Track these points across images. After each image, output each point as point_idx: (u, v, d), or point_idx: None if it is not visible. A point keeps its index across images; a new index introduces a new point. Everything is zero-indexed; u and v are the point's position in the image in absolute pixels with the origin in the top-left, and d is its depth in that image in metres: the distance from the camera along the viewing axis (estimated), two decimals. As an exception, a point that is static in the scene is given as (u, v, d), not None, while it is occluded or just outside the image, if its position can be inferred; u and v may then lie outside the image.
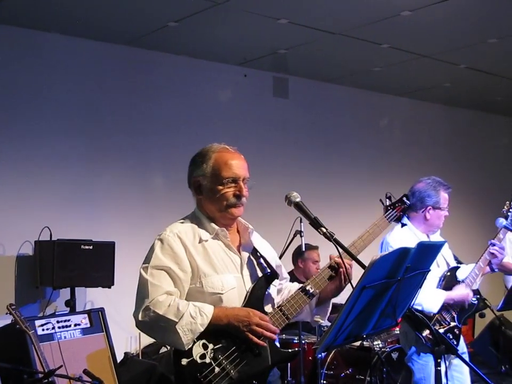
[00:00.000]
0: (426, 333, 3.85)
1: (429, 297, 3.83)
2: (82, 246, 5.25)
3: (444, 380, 3.97)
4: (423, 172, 4.71)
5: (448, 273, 4.09)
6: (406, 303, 2.58)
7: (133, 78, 6.26)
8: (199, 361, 2.53)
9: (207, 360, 2.54)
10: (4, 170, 5.51)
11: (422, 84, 7.91)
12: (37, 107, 5.70)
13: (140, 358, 5.77)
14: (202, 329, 2.54)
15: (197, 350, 2.55)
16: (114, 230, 5.83)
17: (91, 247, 5.28)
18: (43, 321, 4.55)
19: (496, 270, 4.33)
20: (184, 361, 2.54)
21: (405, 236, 4.03)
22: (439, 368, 2.71)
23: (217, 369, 2.53)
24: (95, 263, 5.30)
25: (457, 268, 4.15)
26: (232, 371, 2.55)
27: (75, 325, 4.72)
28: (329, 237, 2.66)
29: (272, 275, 2.77)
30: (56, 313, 4.96)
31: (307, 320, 2.98)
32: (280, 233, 5.14)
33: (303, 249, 5.86)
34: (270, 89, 7.24)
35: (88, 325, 4.81)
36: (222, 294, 2.66)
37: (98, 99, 6.05)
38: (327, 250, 3.48)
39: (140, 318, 2.60)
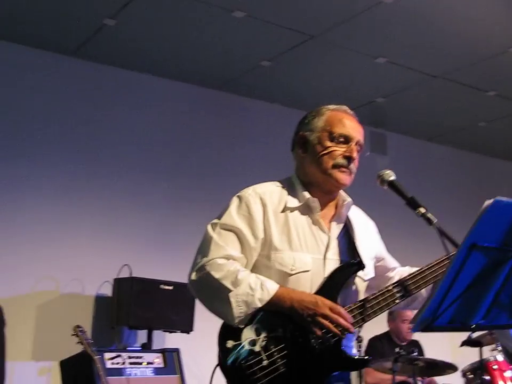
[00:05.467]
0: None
1: None
2: (161, 286, 4.96)
3: None
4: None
5: None
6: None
7: (223, 123, 6.11)
8: (247, 347, 2.13)
9: (257, 348, 2.13)
10: (88, 209, 5.38)
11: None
12: (123, 146, 5.62)
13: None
14: (259, 305, 2.15)
15: (248, 334, 2.15)
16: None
17: (171, 287, 4.98)
18: (113, 354, 4.25)
19: None
20: (229, 344, 2.15)
21: None
22: None
23: (265, 362, 2.12)
24: (174, 305, 4.97)
25: None
26: (282, 367, 2.12)
27: (147, 363, 4.37)
28: (430, 219, 2.24)
29: (356, 264, 2.31)
30: (128, 348, 4.62)
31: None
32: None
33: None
34: (368, 143, 6.92)
35: (162, 365, 4.45)
36: (291, 274, 2.26)
37: (185, 141, 5.92)
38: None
39: (192, 277, 2.27)
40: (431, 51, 5.26)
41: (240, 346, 2.15)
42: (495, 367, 4.67)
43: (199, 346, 5.28)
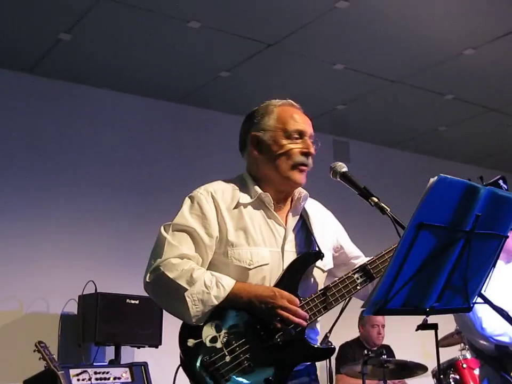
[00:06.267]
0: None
1: None
2: (127, 300, 4.90)
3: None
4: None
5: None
6: (479, 279, 2.09)
7: (183, 136, 6.10)
8: (208, 344, 2.10)
9: (218, 344, 2.10)
10: (50, 227, 5.33)
11: (493, 148, 7.43)
12: (83, 162, 5.61)
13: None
14: (216, 303, 2.12)
15: (208, 332, 2.12)
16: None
17: (137, 302, 4.92)
18: (79, 370, 4.16)
19: None
20: (190, 342, 2.11)
21: None
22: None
23: (228, 358, 2.09)
24: (141, 320, 4.91)
25: None
26: (245, 362, 2.10)
27: (114, 378, 4.30)
28: (383, 207, 2.25)
29: (314, 254, 2.29)
30: (95, 364, 4.54)
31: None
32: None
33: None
34: (331, 152, 6.92)
35: (129, 380, 4.38)
36: (249, 269, 2.24)
37: (145, 155, 5.92)
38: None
39: (147, 279, 2.21)
40: (388, 56, 5.32)
41: (201, 344, 2.12)
42: (464, 365, 4.70)
43: (168, 360, 5.20)
